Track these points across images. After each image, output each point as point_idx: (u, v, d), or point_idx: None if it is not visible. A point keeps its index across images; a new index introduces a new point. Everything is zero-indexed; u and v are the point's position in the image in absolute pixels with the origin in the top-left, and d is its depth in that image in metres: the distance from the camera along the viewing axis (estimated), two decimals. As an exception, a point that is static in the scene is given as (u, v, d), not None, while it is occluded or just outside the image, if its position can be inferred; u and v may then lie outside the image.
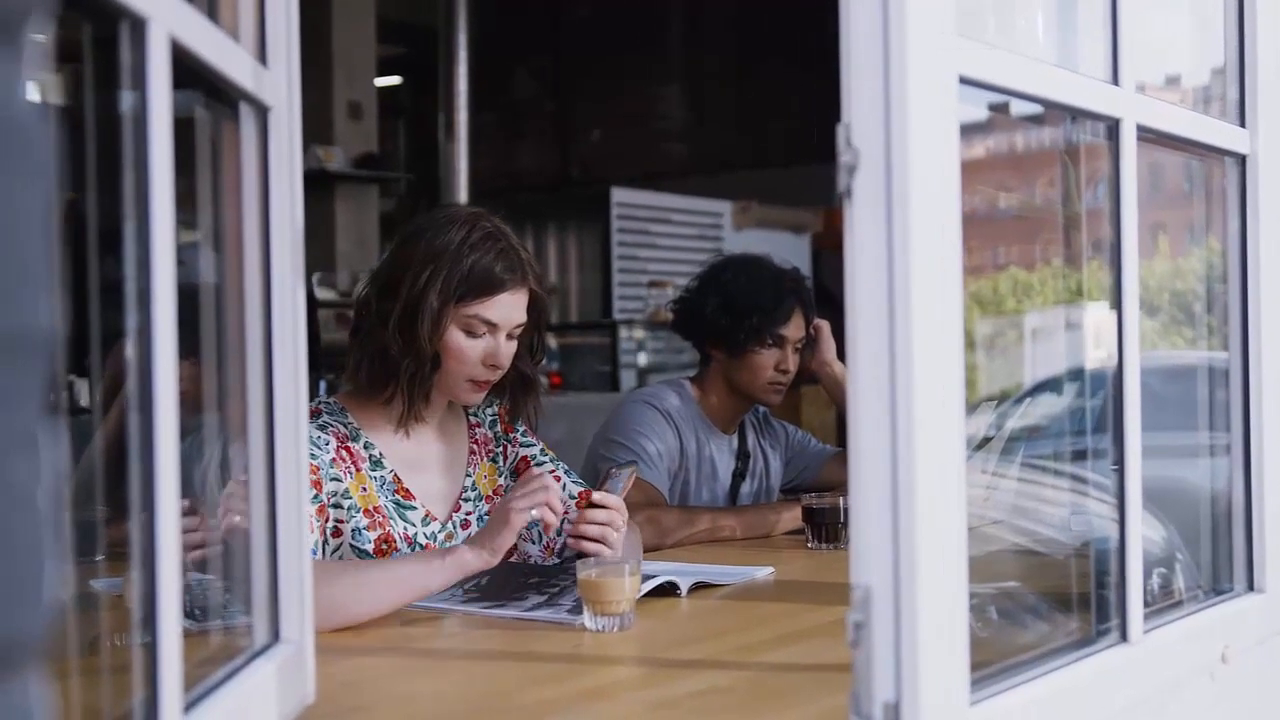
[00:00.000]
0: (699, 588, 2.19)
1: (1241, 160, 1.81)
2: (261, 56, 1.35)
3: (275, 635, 1.36)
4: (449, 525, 2.29)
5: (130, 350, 1.00)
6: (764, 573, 2.36)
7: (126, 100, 1.00)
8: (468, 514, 2.33)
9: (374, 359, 2.21)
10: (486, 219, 2.24)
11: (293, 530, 1.38)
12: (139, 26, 0.99)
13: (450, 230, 2.19)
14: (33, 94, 0.58)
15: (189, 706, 1.07)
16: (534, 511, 2.00)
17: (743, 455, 3.14)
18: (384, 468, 2.23)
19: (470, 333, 2.20)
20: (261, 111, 1.35)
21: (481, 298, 2.19)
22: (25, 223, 0.54)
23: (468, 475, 2.36)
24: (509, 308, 2.22)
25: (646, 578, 2.04)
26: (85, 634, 1.22)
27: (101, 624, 1.27)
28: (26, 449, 0.54)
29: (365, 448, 2.23)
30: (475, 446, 2.39)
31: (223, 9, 1.28)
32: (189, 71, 1.10)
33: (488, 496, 2.36)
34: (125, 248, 1.00)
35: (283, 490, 1.37)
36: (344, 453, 2.18)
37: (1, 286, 0.54)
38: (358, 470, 2.20)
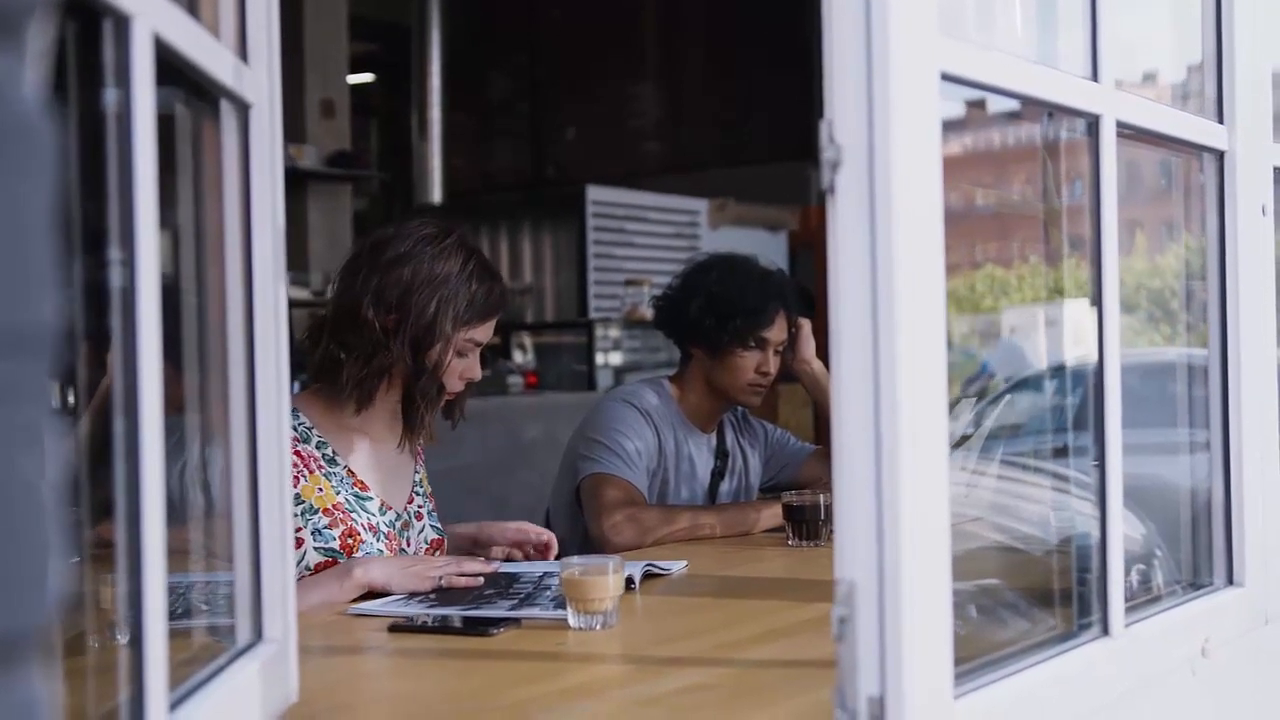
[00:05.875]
0: (649, 578, 2.23)
1: (1219, 156, 1.82)
2: (242, 54, 1.34)
3: (258, 634, 1.36)
4: (405, 515, 2.37)
5: (114, 351, 0.99)
6: (678, 566, 2.37)
7: (109, 97, 1.00)
8: (419, 507, 2.43)
9: (377, 377, 2.25)
10: (469, 242, 2.33)
11: (275, 530, 1.37)
12: (123, 24, 0.98)
13: (446, 258, 2.26)
14: (36, 92, 0.58)
15: (174, 705, 1.07)
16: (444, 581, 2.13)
17: (721, 454, 3.14)
18: (338, 464, 2.28)
19: (461, 354, 2.29)
20: (243, 109, 1.34)
21: (483, 323, 2.30)
22: (31, 219, 0.54)
23: (416, 472, 2.45)
24: (492, 327, 2.35)
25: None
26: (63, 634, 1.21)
27: (82, 624, 1.26)
28: (32, 443, 0.55)
29: (318, 447, 2.28)
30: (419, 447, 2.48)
31: (203, 5, 1.28)
32: (169, 68, 1.10)
33: (430, 494, 2.48)
34: (108, 247, 0.99)
35: (265, 490, 1.36)
36: (294, 457, 2.19)
37: (9, 282, 0.54)
38: (311, 471, 2.23)
